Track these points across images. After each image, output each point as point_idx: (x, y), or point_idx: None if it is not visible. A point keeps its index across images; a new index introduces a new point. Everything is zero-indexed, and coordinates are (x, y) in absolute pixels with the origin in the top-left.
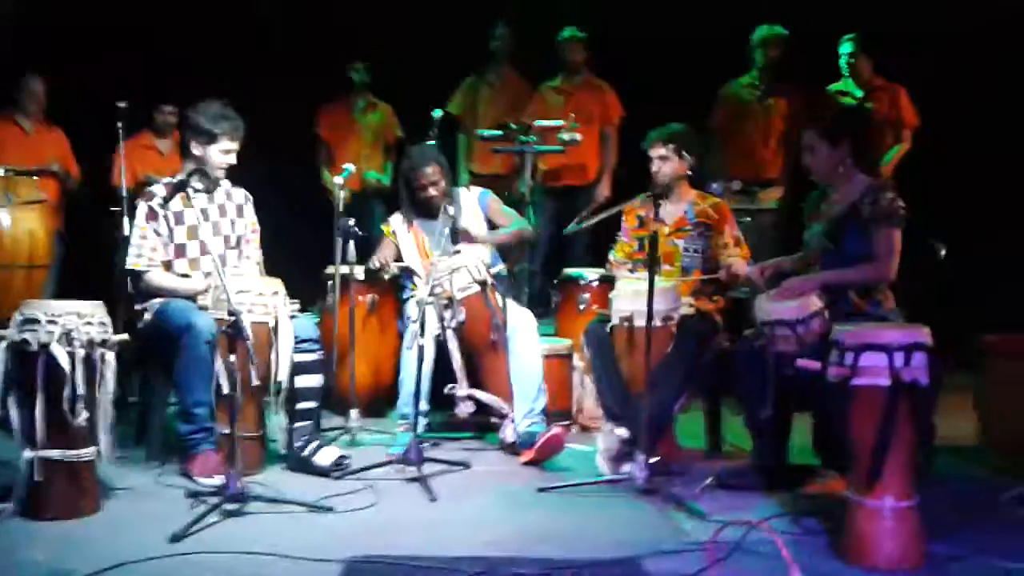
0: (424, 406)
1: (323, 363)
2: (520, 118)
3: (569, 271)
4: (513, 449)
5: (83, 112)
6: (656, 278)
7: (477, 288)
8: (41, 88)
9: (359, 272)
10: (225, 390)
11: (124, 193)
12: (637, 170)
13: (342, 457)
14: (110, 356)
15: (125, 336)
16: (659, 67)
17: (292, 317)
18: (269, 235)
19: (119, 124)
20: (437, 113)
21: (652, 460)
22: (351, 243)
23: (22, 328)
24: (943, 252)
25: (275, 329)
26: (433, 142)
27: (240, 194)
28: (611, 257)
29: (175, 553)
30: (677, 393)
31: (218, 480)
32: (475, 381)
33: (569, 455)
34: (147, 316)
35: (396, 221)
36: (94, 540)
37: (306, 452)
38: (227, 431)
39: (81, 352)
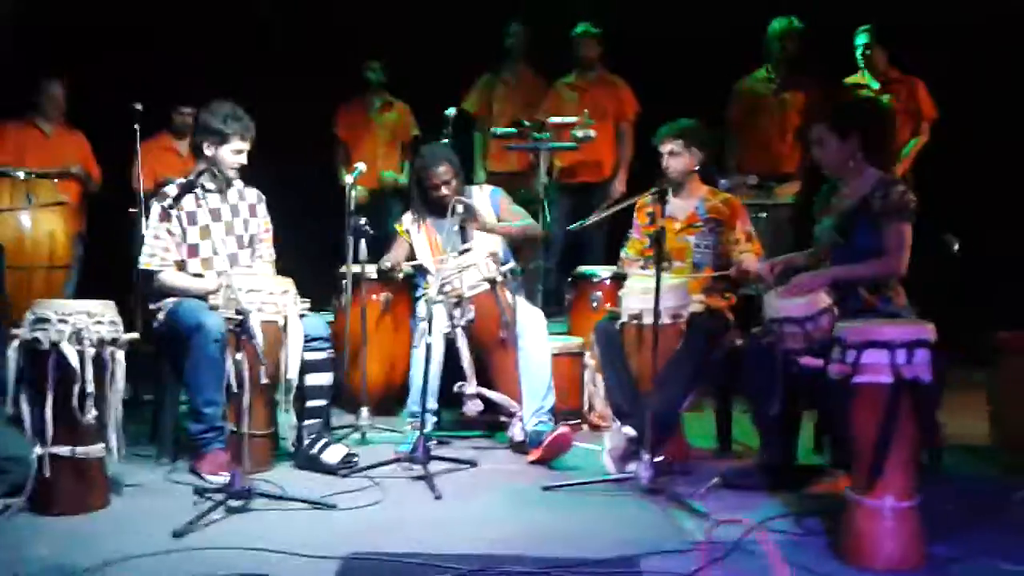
0: (433, 404)
1: (333, 362)
2: (535, 115)
3: (582, 269)
4: (522, 448)
5: (103, 115)
6: (666, 275)
7: (487, 286)
8: (61, 92)
9: (372, 271)
10: (234, 389)
11: (142, 195)
12: (653, 166)
13: (350, 455)
14: (120, 355)
15: (135, 335)
16: (674, 62)
17: (302, 316)
18: (286, 235)
19: (136, 126)
20: (451, 111)
21: (657, 459)
22: (363, 242)
23: (33, 327)
24: (956, 247)
25: (285, 328)
26: (447, 140)
27: (253, 194)
28: (623, 254)
29: (177, 549)
30: (685, 391)
31: (225, 477)
32: (484, 379)
33: (577, 454)
34: (160, 316)
35: (409, 220)
36: (100, 535)
37: (314, 450)
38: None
39: (91, 351)
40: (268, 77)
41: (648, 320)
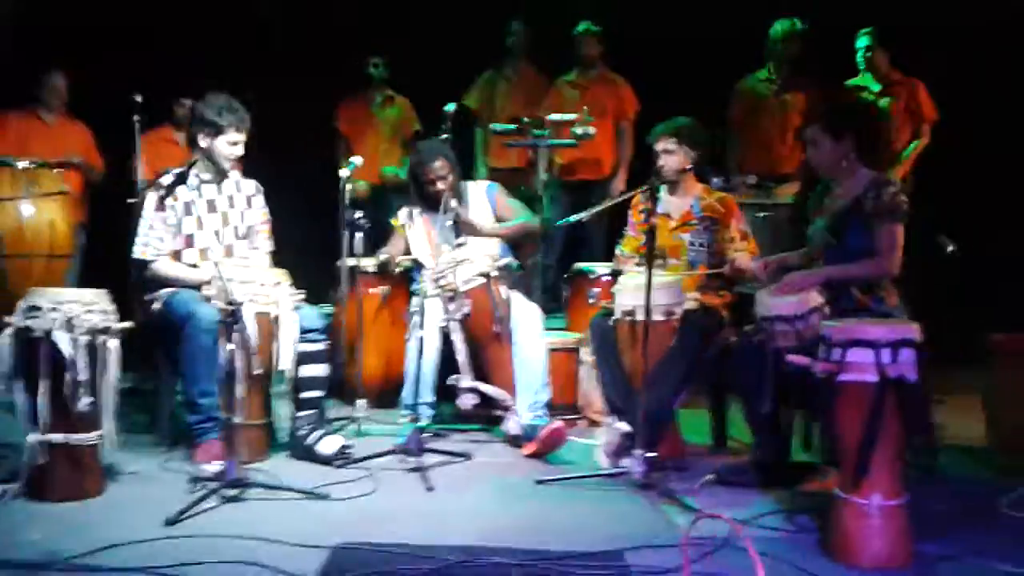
0: (430, 397)
1: (329, 353)
2: (536, 112)
3: (580, 265)
4: (517, 442)
5: (107, 106)
6: (660, 273)
7: (481, 280)
8: (63, 83)
9: (371, 265)
10: (227, 379)
11: (141, 186)
12: (653, 164)
13: (345, 446)
14: (113, 343)
15: (128, 324)
16: (676, 61)
17: (297, 308)
18: (289, 230)
19: (135, 117)
20: (450, 107)
21: (650, 455)
22: (359, 236)
23: (26, 315)
24: (951, 248)
25: (277, 319)
26: (446, 136)
27: (250, 185)
28: (618, 251)
29: (166, 536)
30: (678, 388)
31: (219, 467)
32: (480, 373)
33: (573, 448)
34: (156, 306)
35: (405, 214)
36: (93, 522)
37: (309, 440)
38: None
39: (84, 339)
40: (269, 72)
41: (642, 316)
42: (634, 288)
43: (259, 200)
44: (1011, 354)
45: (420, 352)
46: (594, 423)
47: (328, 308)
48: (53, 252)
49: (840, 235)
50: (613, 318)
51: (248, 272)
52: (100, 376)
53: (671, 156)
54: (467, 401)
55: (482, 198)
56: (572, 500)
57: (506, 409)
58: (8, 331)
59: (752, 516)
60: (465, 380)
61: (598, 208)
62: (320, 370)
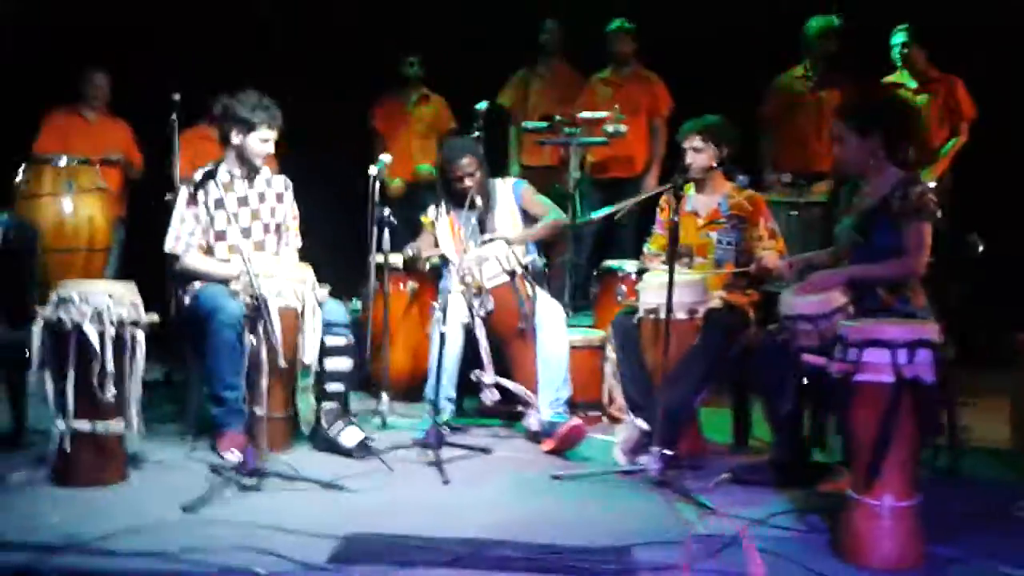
0: (451, 392)
1: (353, 347)
2: (570, 110)
3: (608, 263)
4: (537, 438)
5: (146, 104)
6: (685, 271)
7: (506, 278)
8: (105, 81)
9: (398, 261)
10: (251, 372)
11: (179, 182)
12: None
13: (366, 439)
14: (140, 335)
15: (156, 317)
16: (710, 58)
17: (322, 303)
18: (323, 227)
19: (173, 116)
20: (481, 105)
21: (667, 453)
22: (387, 232)
23: (57, 307)
24: (980, 248)
25: (302, 313)
26: (477, 134)
27: (280, 181)
28: (645, 249)
29: (180, 522)
30: (699, 386)
31: (240, 456)
32: (503, 369)
33: (594, 445)
34: (187, 300)
35: (433, 211)
36: (112, 507)
37: (331, 432)
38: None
39: (112, 331)
40: (304, 71)
41: (671, 314)
42: (658, 286)
43: (289, 196)
44: None
45: (441, 347)
46: (616, 420)
47: (357, 303)
48: (92, 247)
49: (867, 234)
50: (637, 316)
51: (273, 267)
52: (127, 367)
53: (699, 154)
54: (489, 397)
55: (509, 196)
56: (587, 496)
57: (527, 405)
58: (39, 322)
59: (765, 515)
60: (487, 376)
61: (619, 206)
62: (344, 364)
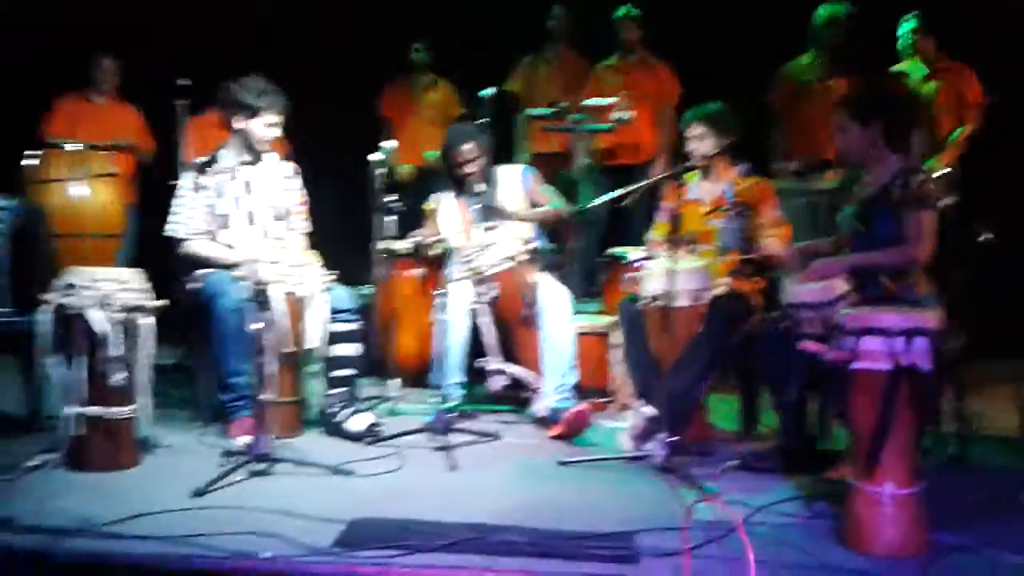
0: (459, 378)
1: (362, 333)
2: (577, 97)
3: (614, 250)
4: (545, 423)
5: (158, 90)
6: (688, 258)
7: (510, 263)
8: (114, 67)
9: (405, 247)
10: (256, 357)
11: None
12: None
13: (374, 424)
14: (147, 321)
15: (164, 302)
16: (718, 46)
17: (329, 289)
18: (332, 212)
19: (182, 102)
20: (487, 92)
21: (673, 439)
22: (391, 219)
23: (63, 293)
24: (986, 236)
25: (306, 299)
26: (484, 121)
27: (288, 167)
28: (650, 237)
29: (192, 507)
30: (703, 373)
31: (250, 441)
32: (509, 355)
33: (600, 432)
34: (193, 286)
35: (439, 198)
36: (124, 492)
37: (339, 418)
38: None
39: (119, 316)
40: (313, 57)
41: (669, 302)
42: (660, 274)
43: (295, 182)
44: None
45: (446, 334)
46: (625, 407)
47: (368, 289)
48: (103, 232)
49: (868, 223)
50: (640, 303)
51: (277, 253)
52: (134, 352)
53: (700, 142)
54: (496, 383)
55: (516, 182)
56: (592, 482)
57: (535, 391)
58: (47, 308)
59: (770, 502)
60: (494, 362)
61: (618, 193)
62: (352, 349)
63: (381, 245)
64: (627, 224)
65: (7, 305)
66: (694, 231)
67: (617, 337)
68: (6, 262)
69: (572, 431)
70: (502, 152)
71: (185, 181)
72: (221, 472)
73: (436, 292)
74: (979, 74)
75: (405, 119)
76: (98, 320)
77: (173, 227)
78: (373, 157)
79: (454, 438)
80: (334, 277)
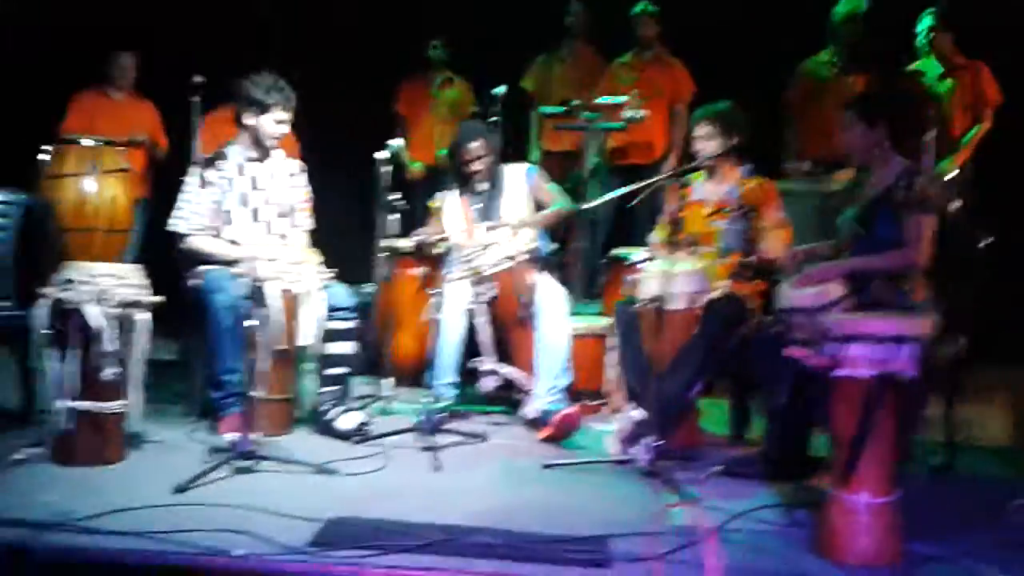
0: (452, 378)
1: (359, 332)
2: (591, 95)
3: (616, 251)
4: (535, 425)
5: (172, 86)
6: (688, 260)
7: (509, 264)
8: (131, 63)
9: (408, 245)
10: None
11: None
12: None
13: (364, 423)
14: (143, 317)
15: (160, 298)
16: (735, 43)
17: (327, 287)
18: (338, 212)
19: (196, 98)
20: (499, 90)
21: (658, 443)
22: (395, 217)
23: (61, 287)
24: (987, 241)
25: (303, 296)
26: (496, 119)
27: (294, 164)
28: (652, 238)
29: (172, 504)
30: (695, 377)
31: (237, 438)
32: (504, 356)
33: (590, 434)
34: (193, 282)
35: (443, 196)
36: (107, 487)
37: (330, 416)
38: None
39: (114, 312)
40: (329, 53)
41: (665, 305)
42: (657, 276)
43: (301, 179)
44: None
45: (441, 334)
46: (618, 410)
47: (369, 287)
48: (113, 227)
49: (869, 225)
50: (637, 305)
51: (275, 250)
52: (128, 348)
53: (707, 141)
54: (488, 383)
55: (520, 181)
56: (575, 485)
57: (527, 392)
58: (44, 302)
59: (749, 508)
60: (487, 362)
61: (620, 192)
62: (348, 348)
63: (384, 243)
64: (633, 225)
65: (12, 299)
66: (697, 232)
67: (614, 340)
68: (12, 256)
69: (561, 433)
70: (515, 150)
71: (191, 176)
72: (203, 469)
73: (431, 292)
74: (996, 73)
75: (420, 116)
76: (94, 315)
77: (176, 222)
78: (380, 155)
79: (441, 439)
80: (332, 275)
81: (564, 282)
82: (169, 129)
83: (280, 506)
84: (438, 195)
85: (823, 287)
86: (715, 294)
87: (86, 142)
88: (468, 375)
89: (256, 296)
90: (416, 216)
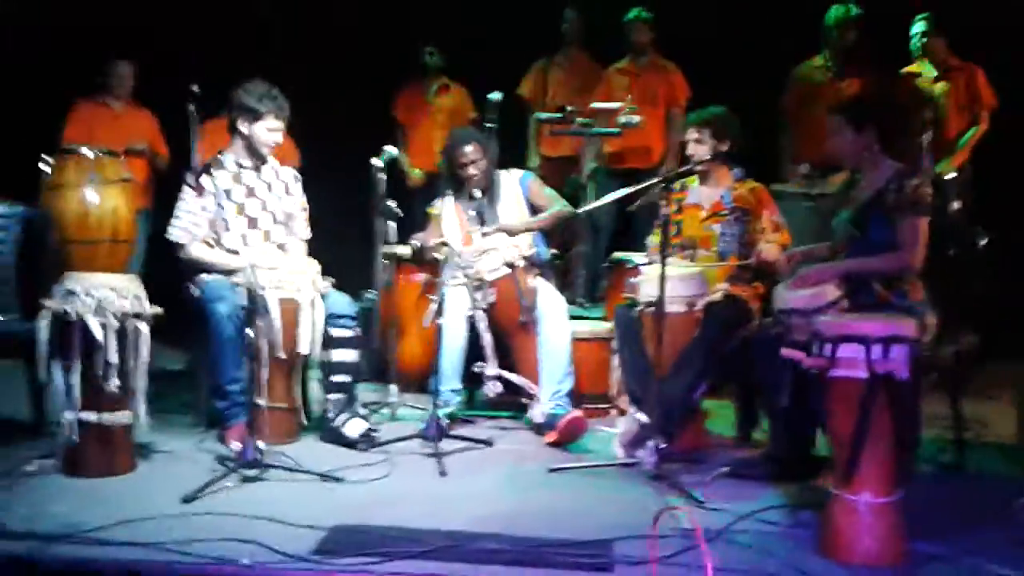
0: (456, 384)
1: (361, 339)
2: (587, 100)
3: (618, 255)
4: (541, 430)
5: (172, 95)
6: (685, 263)
7: (507, 270)
8: (129, 72)
9: (406, 252)
10: (250, 363)
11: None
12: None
13: (370, 430)
14: (143, 327)
15: (158, 309)
16: (729, 48)
17: (327, 295)
18: (337, 220)
19: (192, 107)
20: (495, 96)
21: (663, 446)
22: (392, 224)
23: (62, 299)
24: (984, 241)
25: (303, 305)
26: (491, 125)
27: (289, 172)
28: (649, 242)
29: (180, 513)
30: (696, 380)
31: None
32: (506, 362)
33: (596, 438)
34: (194, 291)
35: (440, 203)
36: (117, 497)
37: (335, 423)
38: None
39: (115, 323)
40: (326, 61)
41: (664, 308)
42: (657, 279)
43: (297, 187)
44: None
45: (442, 340)
46: (623, 413)
47: (371, 294)
48: (116, 238)
49: (863, 228)
50: (637, 308)
51: (274, 259)
52: (131, 359)
53: (699, 146)
54: (492, 389)
55: (515, 187)
56: (581, 489)
57: (531, 397)
58: (46, 314)
59: (754, 510)
60: (490, 368)
61: (615, 195)
62: (350, 355)
63: (384, 250)
64: (634, 229)
65: (15, 311)
66: (694, 236)
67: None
68: (13, 268)
69: (567, 437)
70: (512, 156)
71: (187, 185)
72: (211, 479)
73: (430, 298)
74: (991, 75)
75: (418, 123)
76: (95, 326)
77: (174, 232)
78: (375, 161)
79: (447, 444)
80: (332, 283)
81: (565, 287)
82: (169, 138)
83: (286, 514)
84: (436, 202)
85: (819, 289)
86: (714, 297)
87: (87, 152)
88: (474, 380)
89: (256, 305)
90: (416, 223)
